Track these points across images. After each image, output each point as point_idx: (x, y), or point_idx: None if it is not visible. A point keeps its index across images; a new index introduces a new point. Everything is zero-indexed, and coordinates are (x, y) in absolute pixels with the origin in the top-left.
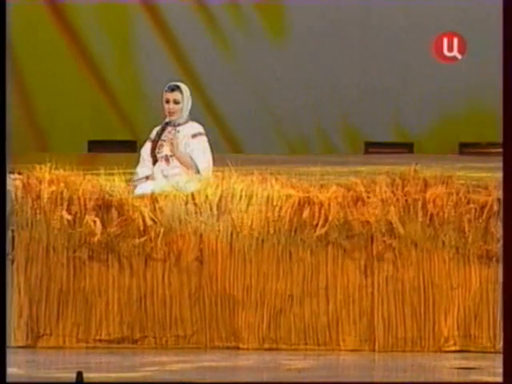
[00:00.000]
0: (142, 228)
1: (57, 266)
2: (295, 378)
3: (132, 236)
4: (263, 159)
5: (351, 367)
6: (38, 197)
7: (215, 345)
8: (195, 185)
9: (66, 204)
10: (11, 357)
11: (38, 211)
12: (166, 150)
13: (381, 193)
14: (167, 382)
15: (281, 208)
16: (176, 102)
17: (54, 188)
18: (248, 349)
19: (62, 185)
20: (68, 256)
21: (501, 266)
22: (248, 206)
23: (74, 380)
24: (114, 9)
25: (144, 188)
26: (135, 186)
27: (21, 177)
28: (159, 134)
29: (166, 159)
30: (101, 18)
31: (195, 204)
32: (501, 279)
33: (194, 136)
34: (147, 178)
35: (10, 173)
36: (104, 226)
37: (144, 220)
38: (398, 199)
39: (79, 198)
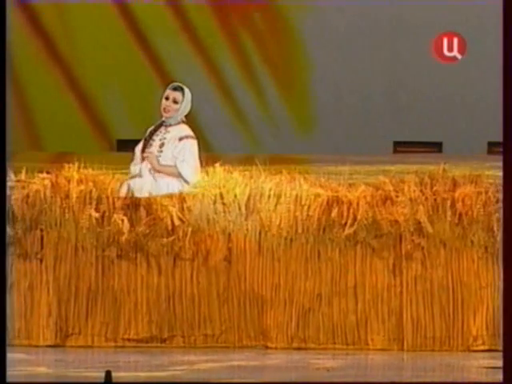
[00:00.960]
0: (170, 227)
1: (85, 265)
2: (324, 377)
3: (160, 235)
4: (292, 158)
5: (380, 366)
6: (67, 196)
7: (244, 344)
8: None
9: (94, 203)
10: (40, 356)
11: (66, 210)
12: (153, 149)
13: (409, 192)
14: (195, 382)
15: (309, 207)
16: (175, 102)
17: (82, 187)
18: (276, 348)
19: (90, 184)
20: (97, 255)
21: None
22: (276, 205)
23: (102, 379)
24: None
25: (132, 186)
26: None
27: (50, 176)
28: (151, 134)
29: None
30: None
31: (223, 203)
32: None
33: (180, 139)
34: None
35: (39, 172)
36: (132, 225)
37: (172, 219)
38: (426, 198)
39: (108, 197)
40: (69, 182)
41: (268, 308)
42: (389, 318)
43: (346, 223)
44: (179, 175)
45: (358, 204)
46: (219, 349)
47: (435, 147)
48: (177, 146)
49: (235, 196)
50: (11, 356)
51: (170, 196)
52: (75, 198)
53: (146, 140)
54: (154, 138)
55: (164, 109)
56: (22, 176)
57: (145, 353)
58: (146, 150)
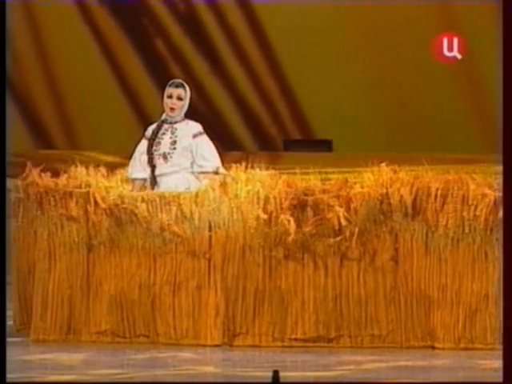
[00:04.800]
0: (337, 227)
1: (253, 266)
2: (491, 377)
3: (327, 235)
4: (459, 158)
5: None
6: (235, 196)
7: (411, 344)
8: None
9: (262, 203)
10: (207, 355)
11: (234, 210)
12: (163, 147)
13: None
14: (362, 382)
15: (476, 207)
16: (179, 99)
17: (250, 187)
18: (443, 348)
19: (258, 184)
20: (264, 255)
21: None
22: (443, 205)
23: (270, 379)
24: None
25: (161, 184)
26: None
27: (218, 176)
28: (155, 132)
29: (164, 157)
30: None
31: (390, 204)
32: None
33: (195, 136)
34: (144, 181)
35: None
36: (299, 225)
37: (339, 219)
38: None
39: (275, 198)
40: (237, 182)
41: (435, 308)
42: None
43: None
44: (216, 172)
45: None
46: (386, 349)
47: None
48: (196, 145)
49: (401, 196)
50: (179, 355)
51: (337, 196)
52: (243, 197)
53: (150, 139)
54: (161, 136)
55: (170, 108)
56: None
57: (312, 352)
58: (154, 148)
